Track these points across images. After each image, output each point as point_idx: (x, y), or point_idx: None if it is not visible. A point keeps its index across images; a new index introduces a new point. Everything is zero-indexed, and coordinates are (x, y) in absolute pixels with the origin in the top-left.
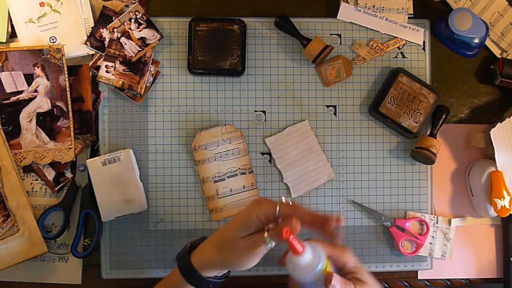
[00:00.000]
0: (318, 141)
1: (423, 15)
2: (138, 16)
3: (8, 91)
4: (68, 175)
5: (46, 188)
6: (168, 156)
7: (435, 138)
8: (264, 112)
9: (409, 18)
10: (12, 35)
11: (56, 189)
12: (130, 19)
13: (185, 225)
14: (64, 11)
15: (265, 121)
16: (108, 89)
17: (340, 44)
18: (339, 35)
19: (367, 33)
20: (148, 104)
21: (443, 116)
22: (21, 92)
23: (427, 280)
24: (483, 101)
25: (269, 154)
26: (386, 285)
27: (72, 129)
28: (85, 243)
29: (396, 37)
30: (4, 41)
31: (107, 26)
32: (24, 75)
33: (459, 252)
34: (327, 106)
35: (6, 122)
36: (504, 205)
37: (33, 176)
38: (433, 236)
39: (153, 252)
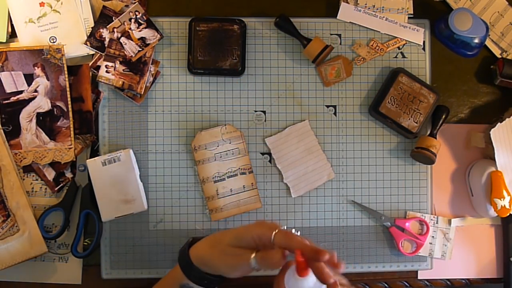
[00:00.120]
0: (318, 141)
1: (423, 15)
2: (138, 16)
3: (8, 91)
4: (68, 175)
5: (46, 188)
6: (168, 156)
7: (435, 138)
8: (264, 112)
9: (409, 18)
10: (12, 35)
11: (56, 189)
12: (130, 19)
13: (185, 225)
14: (64, 11)
15: (265, 121)
16: (108, 89)
17: (340, 44)
18: (339, 35)
19: (367, 33)
20: (148, 104)
21: (443, 116)
22: (21, 92)
23: (427, 280)
24: (483, 101)
25: (269, 154)
26: (386, 285)
27: (72, 129)
28: (85, 243)
29: (396, 37)
30: (4, 41)
31: (107, 26)
32: (24, 75)
33: (459, 252)
34: (327, 106)
35: (6, 122)
36: (504, 205)
37: (33, 176)
38: (433, 236)
39: (153, 252)
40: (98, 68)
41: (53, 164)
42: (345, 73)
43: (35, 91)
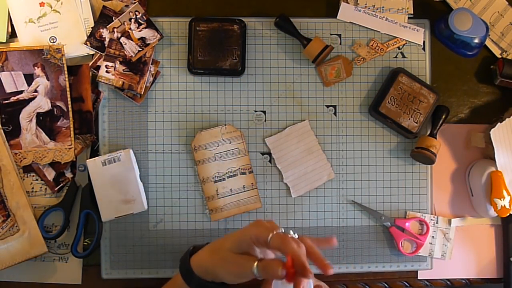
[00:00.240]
0: (318, 141)
1: (423, 15)
2: (138, 16)
3: (8, 91)
4: (68, 175)
5: (46, 188)
6: (168, 156)
7: (435, 138)
8: (264, 112)
9: (409, 18)
10: (12, 35)
11: (56, 189)
12: (130, 19)
13: (185, 225)
14: (64, 11)
15: (265, 121)
16: (108, 89)
17: (340, 44)
18: (339, 35)
19: (367, 33)
20: (148, 104)
21: (443, 116)
22: (21, 92)
23: (427, 280)
24: (483, 101)
25: (269, 154)
26: (386, 285)
27: (72, 129)
28: (85, 243)
29: (396, 37)
30: (4, 41)
31: (107, 26)
32: (24, 75)
33: (459, 252)
34: (327, 106)
35: (6, 122)
36: (504, 205)
37: (33, 176)
38: (433, 236)
39: (153, 252)
40: (98, 68)
41: (53, 164)
42: (345, 73)
43: (35, 91)
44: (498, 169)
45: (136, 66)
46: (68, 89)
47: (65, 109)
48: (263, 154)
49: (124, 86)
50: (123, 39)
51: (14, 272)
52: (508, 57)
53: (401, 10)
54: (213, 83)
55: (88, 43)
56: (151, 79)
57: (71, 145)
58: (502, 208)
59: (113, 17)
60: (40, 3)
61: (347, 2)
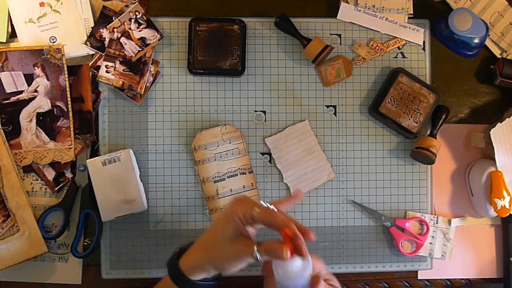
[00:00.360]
0: (318, 141)
1: (423, 15)
2: (138, 16)
3: (8, 91)
4: (68, 175)
5: (46, 188)
6: (168, 156)
7: (435, 138)
8: (264, 112)
9: (409, 18)
10: (12, 35)
11: (56, 189)
12: (130, 19)
13: (185, 225)
14: (64, 11)
15: (265, 121)
16: (108, 89)
17: (340, 44)
18: (339, 35)
19: (367, 33)
20: (148, 104)
21: (443, 116)
22: (21, 92)
23: (427, 280)
24: (483, 101)
25: (269, 154)
26: (386, 285)
27: (72, 129)
28: (85, 243)
29: (396, 37)
30: (4, 41)
31: (107, 26)
32: (24, 75)
33: (459, 252)
34: (327, 106)
35: (6, 122)
36: (504, 205)
37: (33, 176)
38: (433, 236)
39: (153, 252)
40: (98, 68)
41: (53, 164)
42: (345, 73)
43: (35, 91)
44: (498, 169)
45: (136, 66)
46: (68, 89)
47: (65, 109)
48: (263, 154)
49: (124, 86)
50: (123, 39)
51: (14, 272)
52: (508, 57)
53: (401, 10)
54: (213, 83)
55: (88, 43)
56: (151, 79)
57: (71, 145)
58: (502, 208)
59: (113, 17)
60: (40, 3)
61: (347, 2)
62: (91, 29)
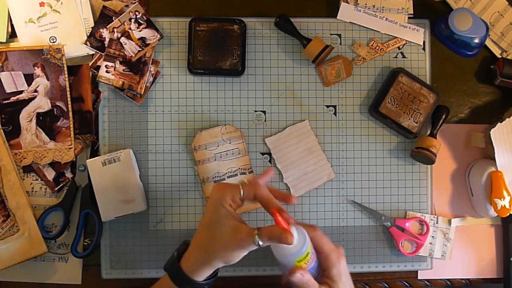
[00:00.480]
0: (318, 141)
1: (423, 15)
2: (138, 16)
3: (8, 91)
4: (68, 175)
5: (46, 188)
6: (168, 156)
7: (435, 138)
8: (264, 112)
9: (409, 18)
10: (12, 35)
11: (56, 189)
12: (130, 19)
13: (185, 225)
14: (64, 11)
15: (265, 121)
16: (108, 89)
17: (340, 44)
18: (339, 35)
19: (367, 33)
20: (148, 104)
21: (443, 116)
22: (21, 92)
23: (427, 280)
24: (483, 101)
25: (269, 154)
26: (386, 285)
27: (72, 129)
28: (85, 243)
29: (396, 37)
30: (4, 41)
31: (107, 26)
32: (24, 75)
33: (459, 252)
34: (327, 106)
35: (6, 122)
36: (504, 205)
37: (33, 176)
38: (433, 236)
39: (153, 252)
40: (98, 68)
41: (53, 164)
42: (345, 73)
43: (35, 91)
44: (498, 169)
45: (136, 66)
46: (68, 89)
47: (65, 109)
48: (263, 154)
49: (124, 86)
50: (123, 39)
51: (14, 272)
52: (508, 57)
53: (401, 10)
54: (213, 83)
55: (88, 43)
56: (151, 79)
57: (71, 145)
58: (502, 208)
59: (113, 17)
60: (40, 3)
61: (347, 2)
62: (91, 29)
